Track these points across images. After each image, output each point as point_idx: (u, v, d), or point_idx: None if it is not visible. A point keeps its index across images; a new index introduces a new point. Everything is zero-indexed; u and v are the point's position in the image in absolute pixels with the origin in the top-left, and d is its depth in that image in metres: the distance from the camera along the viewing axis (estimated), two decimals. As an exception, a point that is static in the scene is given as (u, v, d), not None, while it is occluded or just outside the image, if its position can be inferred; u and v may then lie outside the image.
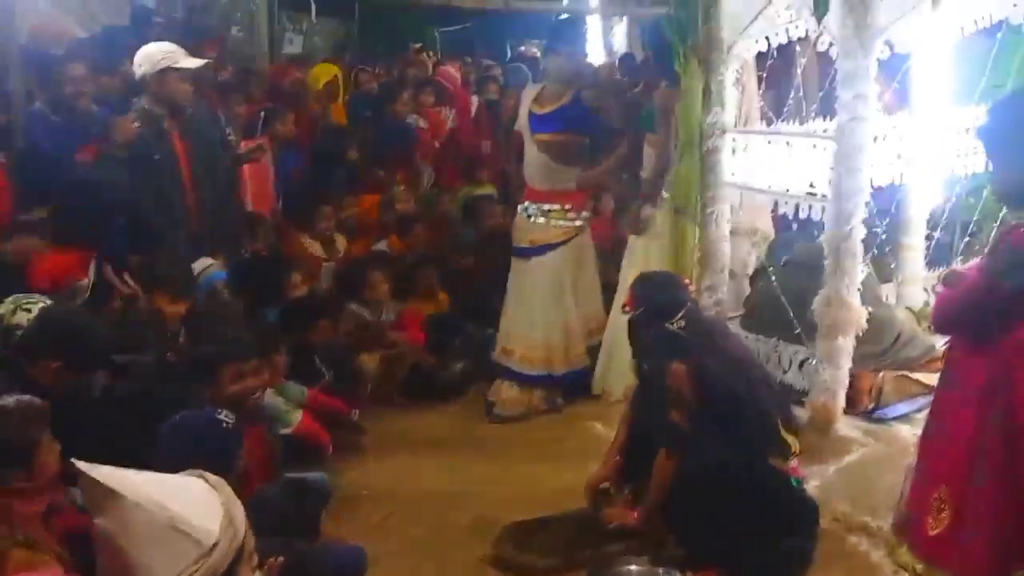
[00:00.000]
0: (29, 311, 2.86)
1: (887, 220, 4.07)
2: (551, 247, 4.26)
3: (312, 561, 2.19)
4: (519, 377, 4.26)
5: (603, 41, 7.84)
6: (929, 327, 4.11)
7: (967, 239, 4.36)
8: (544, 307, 4.26)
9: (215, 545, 1.48)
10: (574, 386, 4.32)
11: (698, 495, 2.68)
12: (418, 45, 8.33)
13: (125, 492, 1.44)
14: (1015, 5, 3.30)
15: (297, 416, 3.49)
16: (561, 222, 4.26)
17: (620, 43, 7.61)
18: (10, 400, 2.11)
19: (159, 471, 1.67)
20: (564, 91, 4.19)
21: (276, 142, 4.93)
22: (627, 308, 3.00)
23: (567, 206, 4.26)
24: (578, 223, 4.29)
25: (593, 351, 4.33)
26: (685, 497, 2.73)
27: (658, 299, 2.96)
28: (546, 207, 4.26)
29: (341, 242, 4.97)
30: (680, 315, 2.87)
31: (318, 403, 3.72)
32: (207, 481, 1.60)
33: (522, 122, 4.28)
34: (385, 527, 3.32)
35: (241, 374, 2.83)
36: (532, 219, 4.28)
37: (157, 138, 3.76)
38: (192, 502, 1.51)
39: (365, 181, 5.48)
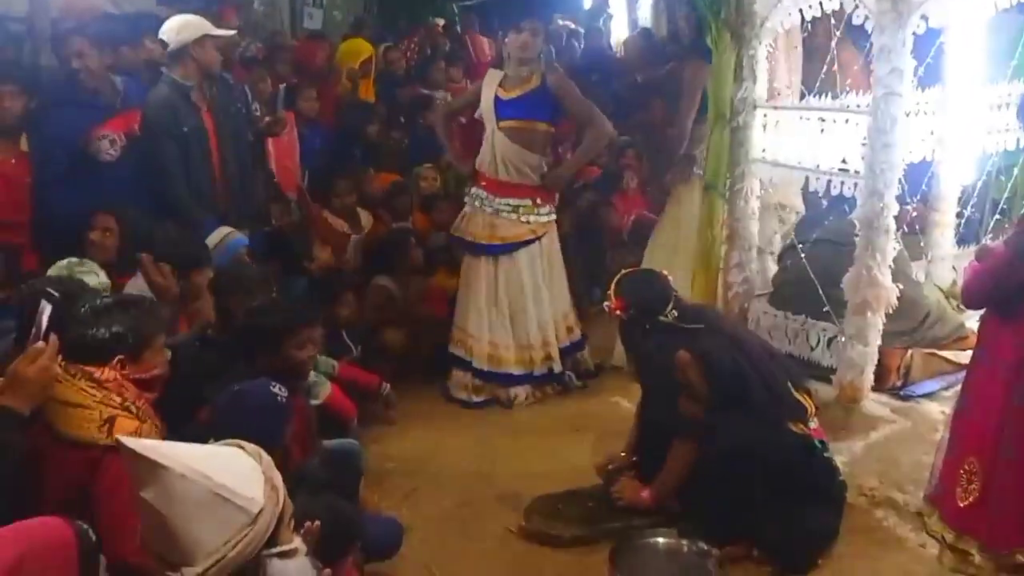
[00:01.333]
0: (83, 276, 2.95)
1: (918, 197, 4.11)
2: (523, 244, 4.13)
3: (351, 524, 2.25)
4: (485, 375, 4.17)
5: (627, 16, 7.81)
6: (958, 305, 4.20)
7: (997, 217, 4.40)
8: (521, 306, 4.15)
9: (260, 512, 1.52)
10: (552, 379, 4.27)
11: (722, 472, 2.73)
12: (441, 21, 8.34)
13: (169, 464, 1.48)
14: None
15: (327, 388, 3.55)
16: (532, 217, 4.13)
17: (646, 18, 7.58)
18: (137, 296, 2.30)
19: (209, 441, 1.74)
20: (531, 75, 4.03)
21: (300, 119, 4.97)
22: (617, 312, 3.00)
23: (537, 200, 4.12)
24: (551, 217, 4.21)
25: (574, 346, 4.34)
26: (709, 475, 2.78)
27: (646, 296, 3.03)
28: (514, 202, 4.09)
29: (366, 217, 5.00)
30: (670, 307, 2.95)
31: (349, 376, 3.79)
32: (245, 450, 1.65)
33: (486, 108, 4.08)
34: (412, 499, 3.40)
35: (305, 341, 2.80)
36: (499, 214, 4.09)
37: (186, 109, 3.78)
38: (235, 471, 1.55)
39: (387, 157, 5.51)
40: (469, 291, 4.19)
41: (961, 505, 2.53)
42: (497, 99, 4.04)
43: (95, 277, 3.02)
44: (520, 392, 4.17)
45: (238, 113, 4.10)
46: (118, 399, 2.09)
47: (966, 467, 2.53)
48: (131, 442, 1.52)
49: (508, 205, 4.09)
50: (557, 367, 4.22)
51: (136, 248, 3.30)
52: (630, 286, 3.04)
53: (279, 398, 2.35)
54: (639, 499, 3.02)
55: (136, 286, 3.26)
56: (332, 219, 4.86)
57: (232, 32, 4.02)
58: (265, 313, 2.83)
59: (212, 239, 3.62)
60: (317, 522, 1.84)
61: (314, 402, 3.42)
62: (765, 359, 2.94)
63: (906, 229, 3.77)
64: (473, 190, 4.17)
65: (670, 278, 3.11)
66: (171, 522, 1.49)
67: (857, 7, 3.23)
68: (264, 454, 1.66)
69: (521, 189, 4.08)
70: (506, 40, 4.19)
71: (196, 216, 3.73)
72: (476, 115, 4.17)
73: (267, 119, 4.42)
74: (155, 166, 3.74)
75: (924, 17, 3.16)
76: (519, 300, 4.15)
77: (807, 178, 3.51)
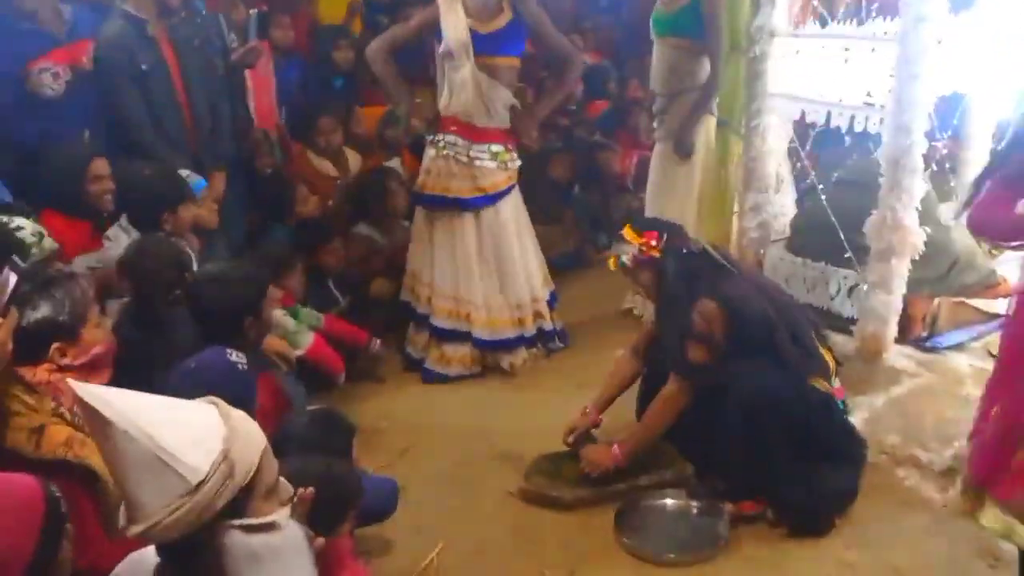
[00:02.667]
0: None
1: (949, 133, 4.04)
2: (504, 193, 4.03)
3: (352, 491, 2.23)
4: (485, 344, 4.07)
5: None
6: (990, 250, 4.15)
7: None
8: (511, 263, 4.07)
9: (202, 482, 1.48)
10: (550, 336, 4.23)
11: (740, 424, 2.72)
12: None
13: (114, 418, 1.46)
14: None
15: (308, 338, 3.55)
16: (510, 163, 4.03)
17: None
18: (57, 275, 2.19)
19: None
20: (499, 2, 3.85)
21: (274, 49, 4.86)
22: (652, 243, 2.94)
23: (509, 145, 4.02)
24: (518, 162, 4.12)
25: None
26: (725, 427, 2.78)
27: (671, 224, 3.02)
28: (494, 148, 3.96)
29: (354, 158, 4.92)
30: (695, 240, 2.95)
31: (336, 330, 3.78)
32: (219, 412, 1.61)
33: (458, 42, 3.79)
34: (407, 458, 3.43)
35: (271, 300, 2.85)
36: (474, 163, 3.94)
37: (143, 45, 3.66)
38: (187, 436, 1.52)
39: (369, 90, 5.37)
40: (455, 253, 4.02)
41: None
42: (475, 33, 3.81)
43: (28, 231, 2.91)
44: (518, 358, 4.13)
45: (207, 45, 3.97)
46: (51, 404, 2.04)
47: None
48: (82, 389, 1.50)
49: (487, 152, 3.94)
50: (548, 324, 4.20)
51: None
52: (650, 221, 3.00)
53: (240, 366, 2.32)
54: (609, 460, 3.01)
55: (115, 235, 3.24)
56: (316, 161, 4.79)
57: None
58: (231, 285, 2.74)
59: None
60: (311, 489, 1.81)
61: (297, 353, 3.43)
62: (793, 309, 2.92)
63: (935, 168, 3.71)
64: (443, 137, 3.93)
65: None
66: (117, 477, 1.51)
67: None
68: (238, 421, 1.61)
69: (497, 133, 3.97)
70: None
71: (163, 159, 3.65)
72: (441, 51, 3.87)
73: (241, 49, 4.29)
74: (114, 111, 3.66)
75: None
76: (508, 256, 4.07)
77: (828, 112, 3.44)
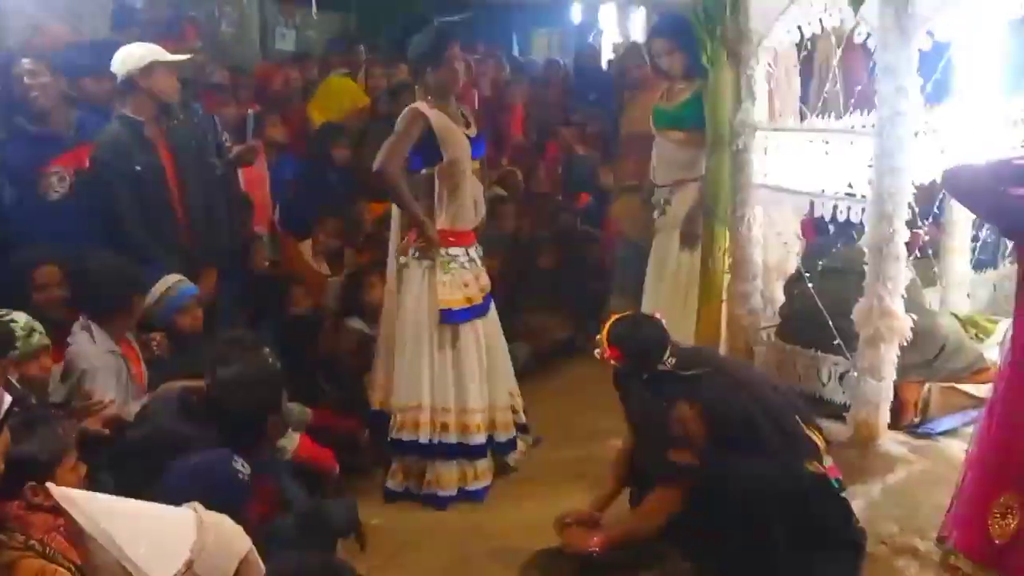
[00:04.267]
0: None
1: (930, 220, 4.14)
2: (489, 296, 3.97)
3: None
4: (464, 451, 3.82)
5: (619, 32, 7.92)
6: (976, 334, 4.22)
7: (1016, 240, 4.42)
8: (501, 359, 4.01)
9: None
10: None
11: (737, 519, 2.72)
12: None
13: (86, 526, 1.50)
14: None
15: (294, 442, 3.52)
16: (481, 262, 3.96)
17: (638, 31, 7.68)
18: (42, 415, 2.21)
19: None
20: (459, 106, 3.88)
21: (270, 148, 4.98)
22: (612, 361, 2.99)
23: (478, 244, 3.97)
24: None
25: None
26: (721, 524, 2.77)
27: (641, 344, 3.02)
28: (480, 250, 3.94)
29: (349, 256, 4.97)
30: (667, 354, 2.96)
31: (324, 423, 3.77)
32: (195, 519, 1.61)
33: (462, 151, 3.74)
34: (400, 558, 3.38)
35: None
36: (470, 270, 3.84)
37: (138, 147, 3.76)
38: (155, 542, 1.53)
39: (364, 186, 5.47)
40: (463, 363, 3.82)
41: (996, 542, 2.49)
42: (470, 139, 3.82)
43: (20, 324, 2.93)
44: (517, 453, 4.08)
45: (203, 146, 4.08)
46: (21, 539, 2.04)
47: (1002, 500, 2.49)
48: (59, 493, 1.54)
49: (477, 252, 3.91)
50: (522, 417, 4.13)
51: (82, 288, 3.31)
52: (623, 333, 3.04)
53: (240, 475, 2.32)
54: (588, 544, 3.00)
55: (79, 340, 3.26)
56: (312, 259, 4.85)
57: (186, 56, 3.98)
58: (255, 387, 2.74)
59: (157, 288, 3.60)
60: None
61: (284, 458, 3.40)
62: (772, 397, 2.95)
63: (918, 254, 3.79)
64: (447, 253, 3.77)
65: (663, 321, 3.12)
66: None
67: (859, 24, 3.27)
68: (211, 526, 1.60)
69: (476, 232, 3.97)
70: (440, 69, 3.72)
71: (155, 258, 3.72)
72: (445, 161, 3.72)
73: (237, 148, 4.41)
74: (107, 210, 3.74)
75: (930, 32, 3.20)
76: (499, 353, 4.01)
77: (811, 204, 3.53)
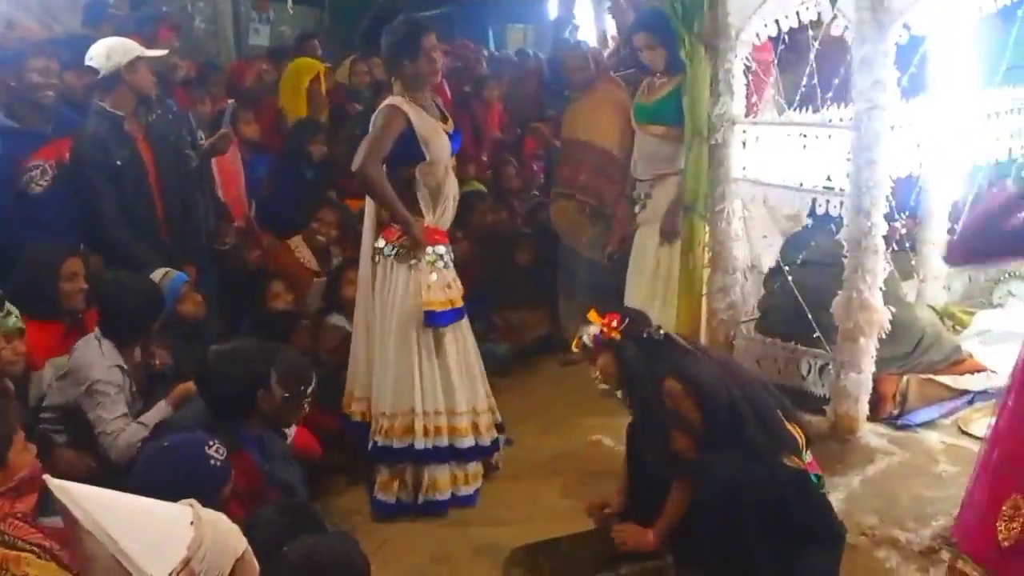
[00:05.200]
0: None
1: (907, 213, 4.18)
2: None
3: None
4: (455, 454, 3.68)
5: (595, 28, 7.89)
6: (953, 326, 4.27)
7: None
8: (468, 368, 3.79)
9: None
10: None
11: (716, 513, 2.72)
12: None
13: (81, 518, 1.48)
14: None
15: (290, 432, 3.52)
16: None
17: (613, 26, 7.65)
18: None
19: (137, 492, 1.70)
20: (433, 98, 3.75)
21: (244, 145, 4.94)
22: (614, 324, 2.98)
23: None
24: None
25: None
26: (702, 518, 2.77)
27: (636, 314, 3.08)
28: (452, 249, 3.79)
29: (336, 253, 4.91)
30: (656, 327, 2.99)
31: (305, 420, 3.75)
32: (193, 516, 1.59)
33: (443, 149, 3.61)
34: (381, 555, 3.34)
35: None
36: (451, 270, 3.70)
37: (118, 142, 3.73)
38: (150, 541, 1.52)
39: (344, 180, 5.44)
40: (448, 366, 3.68)
41: (1003, 546, 2.48)
42: (449, 136, 3.67)
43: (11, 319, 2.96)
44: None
45: (180, 141, 4.04)
46: None
47: (1011, 503, 2.48)
48: (55, 486, 1.51)
49: (451, 255, 3.75)
50: (497, 417, 3.95)
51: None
52: (616, 307, 3.05)
53: (213, 461, 2.30)
54: (645, 542, 2.99)
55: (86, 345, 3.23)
56: (302, 252, 4.79)
57: (164, 52, 3.95)
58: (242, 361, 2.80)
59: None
60: None
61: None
62: (757, 389, 2.96)
63: (895, 247, 3.82)
64: (434, 250, 3.62)
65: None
66: (84, 571, 1.53)
67: (836, 17, 3.28)
68: (208, 524, 1.58)
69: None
70: (417, 60, 3.55)
71: (135, 254, 3.69)
72: (428, 160, 3.57)
73: (210, 138, 4.37)
74: (87, 205, 3.70)
75: (906, 26, 3.22)
76: (473, 357, 3.84)
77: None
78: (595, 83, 4.91)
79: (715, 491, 2.73)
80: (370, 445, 3.66)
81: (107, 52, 3.72)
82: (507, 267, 5.34)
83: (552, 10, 10.14)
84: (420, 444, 3.59)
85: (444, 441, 3.64)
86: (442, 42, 7.20)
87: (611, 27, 7.73)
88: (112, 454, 3.07)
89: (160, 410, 3.21)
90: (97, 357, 3.18)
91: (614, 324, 2.97)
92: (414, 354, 3.61)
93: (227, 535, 1.60)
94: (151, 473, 2.26)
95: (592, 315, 3.03)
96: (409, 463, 3.62)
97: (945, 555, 2.80)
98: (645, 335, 2.94)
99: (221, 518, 1.62)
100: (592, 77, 4.91)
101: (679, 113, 4.05)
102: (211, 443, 2.35)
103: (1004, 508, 2.44)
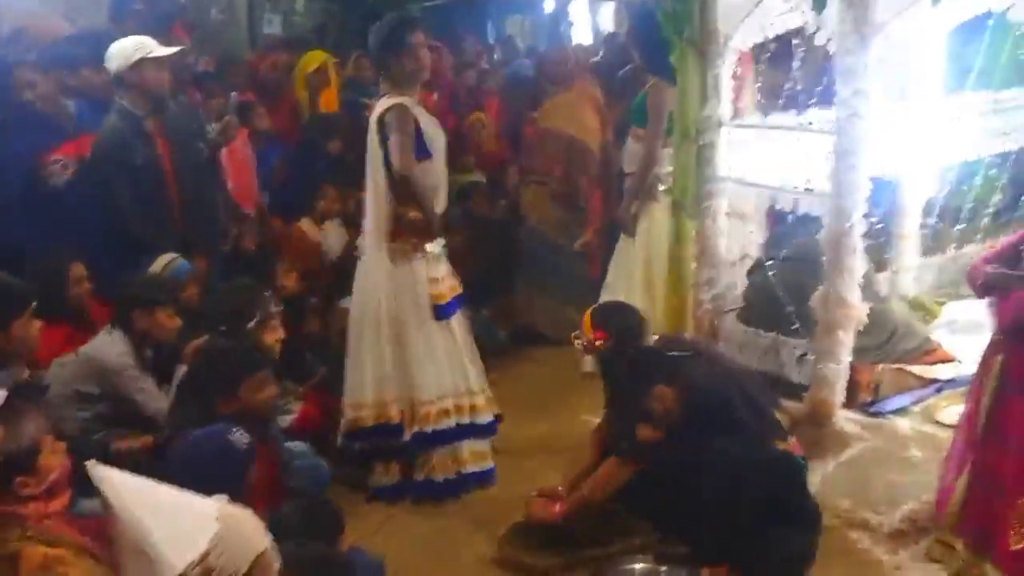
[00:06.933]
0: None
1: (881, 208, 4.16)
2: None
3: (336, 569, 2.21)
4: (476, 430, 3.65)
5: (590, 22, 7.83)
6: (923, 316, 4.27)
7: (962, 226, 4.48)
8: (466, 349, 3.69)
9: None
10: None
11: (713, 497, 2.72)
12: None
13: (114, 503, 1.51)
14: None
15: (293, 411, 3.54)
16: None
17: (607, 24, 7.60)
18: (10, 403, 2.14)
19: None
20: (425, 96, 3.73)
21: (256, 135, 4.89)
22: (598, 343, 2.99)
23: None
24: None
25: None
26: (697, 500, 2.78)
27: (626, 324, 3.07)
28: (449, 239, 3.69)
29: (340, 233, 4.85)
30: (650, 333, 2.99)
31: (315, 404, 3.74)
32: (220, 511, 1.60)
33: (442, 146, 3.54)
34: (386, 529, 3.39)
35: (264, 382, 2.73)
36: (444, 259, 3.62)
37: (138, 141, 3.68)
38: (175, 531, 1.52)
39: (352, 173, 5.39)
40: (458, 346, 3.62)
41: (1014, 548, 2.49)
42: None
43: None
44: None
45: (194, 135, 3.99)
46: (18, 531, 1.96)
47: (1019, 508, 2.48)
48: (94, 471, 1.56)
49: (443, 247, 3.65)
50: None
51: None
52: (607, 315, 3.05)
53: (238, 445, 2.30)
54: (551, 513, 3.04)
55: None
56: (309, 228, 4.75)
57: (174, 50, 3.82)
58: (220, 356, 2.77)
59: (155, 267, 3.57)
60: None
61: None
62: (747, 380, 2.96)
63: (870, 240, 3.81)
64: (438, 243, 3.58)
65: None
66: (117, 555, 1.58)
67: (819, 28, 3.25)
68: (232, 520, 1.59)
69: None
70: (404, 57, 3.42)
71: (154, 246, 3.66)
72: (432, 158, 3.49)
73: (216, 127, 4.32)
74: (108, 201, 3.66)
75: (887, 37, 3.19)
76: (468, 341, 3.73)
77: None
78: (573, 79, 4.90)
79: (713, 473, 2.74)
80: (408, 436, 3.52)
81: (115, 53, 3.67)
82: (504, 255, 5.31)
83: (549, 5, 10.04)
84: (451, 423, 3.54)
85: (466, 419, 3.59)
86: (439, 37, 7.10)
87: (606, 24, 7.69)
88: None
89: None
90: (115, 346, 3.19)
91: (599, 343, 3.00)
92: (436, 341, 3.54)
93: (251, 533, 1.61)
94: (181, 464, 2.26)
95: (585, 321, 3.06)
96: (448, 442, 3.55)
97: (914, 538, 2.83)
98: (630, 351, 2.94)
99: (248, 516, 1.63)
100: (570, 73, 4.90)
101: (643, 117, 4.14)
102: (234, 430, 2.35)
103: (1014, 512, 2.43)
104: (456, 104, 6.32)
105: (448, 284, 3.59)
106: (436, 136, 3.53)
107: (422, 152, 3.47)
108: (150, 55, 3.64)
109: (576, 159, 4.83)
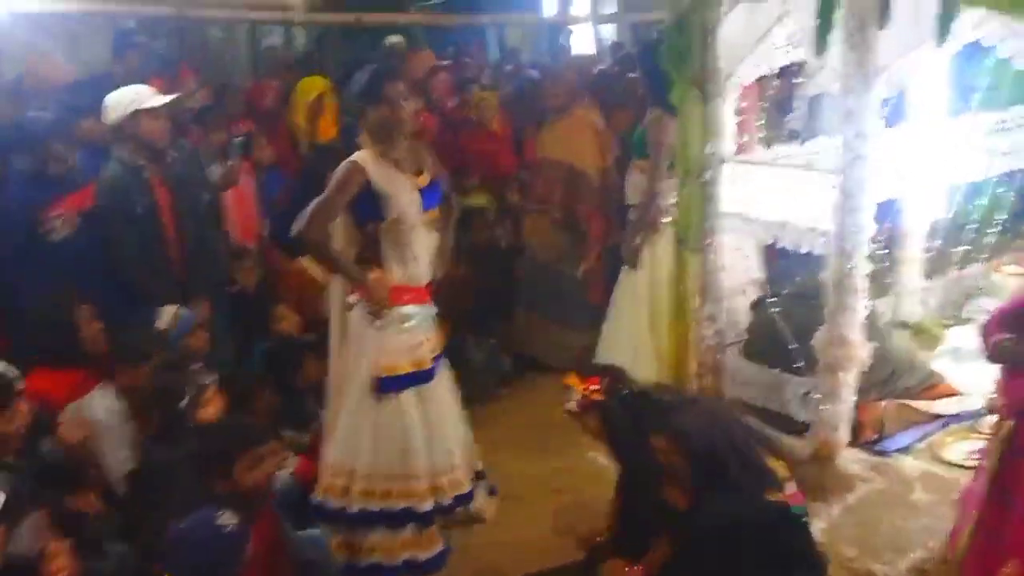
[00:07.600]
0: None
1: (884, 232, 4.06)
2: (440, 357, 3.40)
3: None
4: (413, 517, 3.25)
5: (594, 38, 7.69)
6: (928, 342, 4.17)
7: (966, 247, 4.37)
8: (452, 420, 3.42)
9: None
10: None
11: (707, 555, 2.65)
12: (396, 38, 7.71)
13: None
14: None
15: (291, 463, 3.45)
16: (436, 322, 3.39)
17: (609, 32, 7.46)
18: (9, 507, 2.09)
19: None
20: (415, 147, 3.32)
21: (258, 167, 4.80)
22: (594, 391, 2.91)
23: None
24: None
25: None
26: (693, 559, 2.70)
27: (614, 372, 3.02)
28: (432, 307, 3.35)
29: None
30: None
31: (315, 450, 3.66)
32: None
33: (407, 206, 3.14)
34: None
35: (258, 459, 2.58)
36: (423, 330, 3.28)
37: (138, 190, 3.61)
38: None
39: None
40: (425, 426, 3.27)
41: None
42: (421, 190, 3.21)
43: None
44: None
45: (194, 179, 3.92)
46: None
47: (1010, 570, 2.41)
48: None
49: (432, 310, 3.34)
50: (477, 465, 3.60)
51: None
52: (594, 367, 2.97)
53: (225, 530, 2.24)
54: None
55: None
56: (310, 266, 4.63)
57: (169, 99, 3.70)
58: (210, 435, 2.70)
59: (164, 322, 3.54)
60: None
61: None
62: (736, 428, 2.87)
63: (872, 264, 3.72)
64: (408, 311, 3.21)
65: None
66: None
67: (823, 69, 3.14)
68: None
69: (430, 287, 3.37)
70: (379, 108, 3.14)
71: (156, 295, 3.61)
72: (388, 220, 3.13)
73: (219, 172, 4.24)
74: (110, 251, 3.59)
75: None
76: (446, 417, 3.39)
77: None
78: (572, 106, 4.81)
79: (703, 532, 2.66)
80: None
81: (112, 104, 3.60)
82: (505, 284, 5.21)
83: (549, 13, 9.86)
84: (355, 507, 3.18)
85: (398, 504, 3.20)
86: (441, 55, 6.89)
87: (608, 32, 7.56)
88: None
89: None
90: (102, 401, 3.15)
91: (595, 388, 2.91)
92: (366, 416, 3.20)
93: None
94: (177, 557, 2.23)
95: (572, 380, 2.96)
96: (344, 525, 3.22)
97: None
98: (626, 392, 2.87)
99: None
100: (570, 99, 4.81)
101: (642, 148, 4.09)
102: (219, 514, 2.28)
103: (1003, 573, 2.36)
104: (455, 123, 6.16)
105: (408, 355, 3.22)
106: (400, 196, 3.13)
107: (366, 215, 3.16)
108: (144, 106, 3.56)
109: (575, 187, 4.76)
